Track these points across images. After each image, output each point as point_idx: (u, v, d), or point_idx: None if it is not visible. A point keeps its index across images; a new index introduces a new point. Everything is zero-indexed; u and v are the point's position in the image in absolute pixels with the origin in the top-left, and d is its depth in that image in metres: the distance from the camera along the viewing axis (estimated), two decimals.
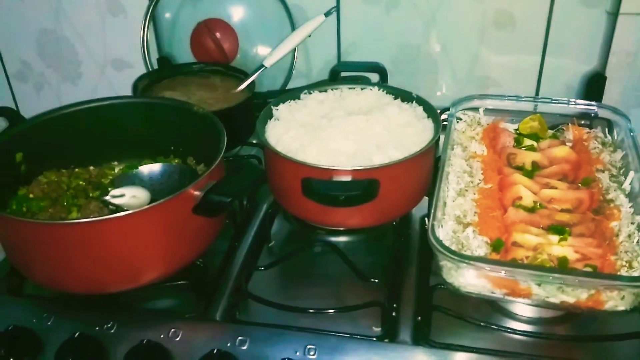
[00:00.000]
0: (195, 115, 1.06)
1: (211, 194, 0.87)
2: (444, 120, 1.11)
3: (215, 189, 0.88)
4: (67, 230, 0.84)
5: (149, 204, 0.87)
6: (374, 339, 0.88)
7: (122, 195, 0.81)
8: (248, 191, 1.12)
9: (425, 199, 1.09)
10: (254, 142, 1.29)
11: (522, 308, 0.91)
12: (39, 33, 1.57)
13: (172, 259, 0.92)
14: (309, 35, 1.28)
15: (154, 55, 1.48)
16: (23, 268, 0.94)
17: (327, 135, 1.03)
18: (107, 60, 1.58)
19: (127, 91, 1.29)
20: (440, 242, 0.84)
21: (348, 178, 0.93)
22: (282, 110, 1.13)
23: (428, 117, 1.10)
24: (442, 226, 0.91)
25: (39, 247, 0.87)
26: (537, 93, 1.41)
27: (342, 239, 1.09)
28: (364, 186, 0.93)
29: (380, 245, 1.08)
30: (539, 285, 0.82)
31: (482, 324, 0.88)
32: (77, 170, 1.10)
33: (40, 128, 1.06)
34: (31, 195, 1.03)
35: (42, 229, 0.86)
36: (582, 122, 1.16)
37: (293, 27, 1.40)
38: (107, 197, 0.81)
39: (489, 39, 1.37)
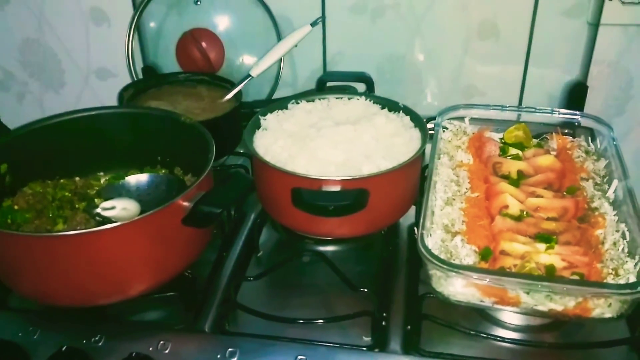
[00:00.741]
0: (183, 125, 1.06)
1: (201, 205, 0.87)
2: (430, 129, 1.12)
3: (205, 199, 0.88)
4: (54, 243, 0.83)
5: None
6: (364, 348, 0.88)
7: (112, 208, 0.81)
8: (238, 201, 1.12)
9: (413, 208, 1.10)
10: (241, 151, 1.29)
11: (511, 316, 0.92)
12: (21, 42, 1.56)
13: (161, 271, 0.91)
14: (296, 45, 1.28)
15: (139, 65, 1.48)
16: (8, 280, 0.92)
17: (316, 145, 1.04)
18: (90, 70, 1.57)
19: (112, 101, 1.28)
20: (429, 251, 0.85)
21: (337, 188, 0.94)
22: (270, 120, 1.13)
23: (415, 126, 1.11)
24: (430, 235, 0.92)
25: (25, 260, 0.85)
26: (520, 102, 1.43)
27: (331, 248, 1.09)
28: (354, 196, 0.93)
29: (368, 255, 1.08)
30: (528, 293, 0.83)
31: (471, 332, 0.89)
32: (62, 181, 1.09)
33: (25, 139, 1.04)
34: (16, 207, 1.01)
35: (29, 241, 0.84)
36: (565, 131, 1.17)
37: (279, 37, 1.40)
38: (98, 210, 0.80)
39: (474, 49, 1.39)
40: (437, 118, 1.17)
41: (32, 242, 0.84)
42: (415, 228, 0.92)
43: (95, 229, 0.83)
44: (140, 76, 1.46)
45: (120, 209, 0.80)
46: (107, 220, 0.84)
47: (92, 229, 0.84)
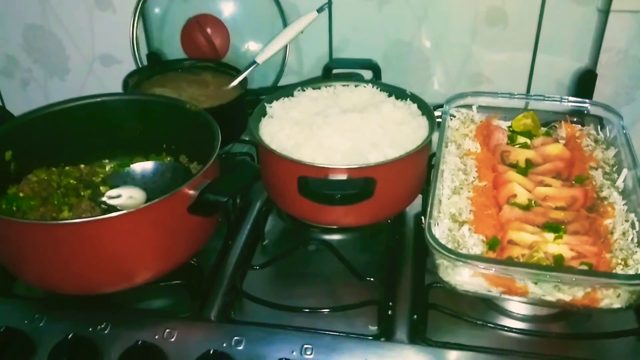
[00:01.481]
0: (188, 113, 1.05)
1: (207, 194, 0.87)
2: (438, 117, 1.11)
3: (211, 188, 0.87)
4: (60, 231, 0.83)
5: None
6: (370, 337, 0.88)
7: (119, 196, 0.80)
8: (244, 190, 1.11)
9: (419, 196, 1.09)
10: (247, 139, 1.28)
11: (518, 306, 0.92)
12: (25, 28, 1.55)
13: (167, 259, 0.91)
14: (302, 32, 1.27)
15: (144, 51, 1.47)
16: (14, 268, 0.92)
17: (322, 133, 1.03)
18: (95, 56, 1.56)
19: (116, 87, 1.27)
20: (437, 240, 0.84)
21: (344, 177, 0.93)
22: (275, 108, 1.12)
23: (422, 114, 1.10)
24: (437, 224, 0.91)
25: (30, 248, 0.85)
26: (528, 90, 1.41)
27: (337, 237, 1.08)
28: (360, 185, 0.92)
29: (375, 243, 1.08)
30: (536, 283, 0.82)
31: (478, 322, 0.89)
32: (67, 168, 1.09)
33: (30, 126, 1.04)
34: (21, 194, 1.01)
35: (35, 229, 0.84)
36: (574, 119, 1.16)
37: (285, 23, 1.39)
38: (104, 198, 0.80)
39: (481, 36, 1.37)
40: (444, 106, 1.16)
41: (38, 230, 0.84)
42: (423, 217, 0.91)
43: (101, 217, 0.83)
44: (145, 63, 1.45)
45: (126, 197, 0.80)
46: (113, 208, 0.84)
47: (98, 217, 0.84)
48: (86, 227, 0.83)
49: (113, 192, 0.81)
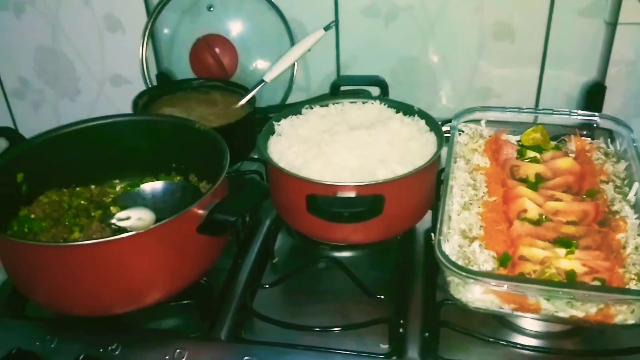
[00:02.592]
0: (197, 132, 1.06)
1: (216, 213, 0.87)
2: (446, 132, 1.11)
3: (220, 207, 0.88)
4: (70, 252, 0.84)
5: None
6: (382, 356, 0.88)
7: (128, 218, 0.80)
8: (252, 209, 1.11)
9: (429, 212, 1.09)
10: (256, 157, 1.29)
11: (530, 322, 0.90)
12: (36, 50, 1.57)
13: (177, 279, 0.91)
14: (309, 50, 1.27)
15: (153, 71, 1.48)
16: (26, 290, 0.93)
17: (331, 150, 1.03)
18: (105, 77, 1.58)
19: (126, 107, 1.28)
20: (447, 257, 0.84)
21: (353, 194, 0.93)
22: (284, 126, 1.12)
23: (430, 130, 1.10)
24: (448, 241, 0.91)
25: (42, 269, 0.86)
26: (537, 104, 1.41)
27: (346, 254, 1.08)
28: (369, 202, 0.92)
29: (384, 260, 1.07)
30: (548, 300, 0.81)
31: (490, 339, 0.88)
32: (78, 189, 1.09)
33: (41, 148, 1.05)
34: (32, 216, 1.02)
35: (45, 251, 0.85)
36: (584, 132, 1.15)
37: (292, 42, 1.40)
38: (114, 220, 0.80)
39: (488, 51, 1.37)
40: (452, 121, 1.15)
41: (48, 251, 0.85)
42: (432, 233, 0.90)
43: (111, 238, 0.83)
44: (155, 82, 1.47)
45: (136, 219, 0.80)
46: (123, 229, 0.84)
47: (108, 238, 0.84)
48: (97, 248, 0.83)
49: (122, 214, 0.81)
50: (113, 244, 0.83)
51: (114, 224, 0.82)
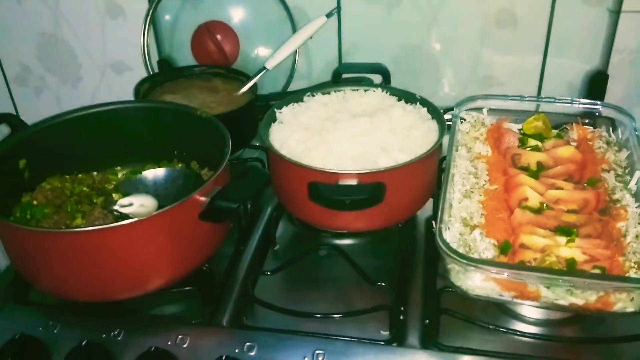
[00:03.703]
0: (199, 120, 1.06)
1: (218, 200, 0.87)
2: (448, 120, 1.11)
3: (222, 194, 0.88)
4: (73, 239, 0.84)
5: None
6: (382, 343, 0.88)
7: (130, 205, 0.81)
8: (254, 196, 1.11)
9: (430, 200, 1.09)
10: (257, 144, 1.29)
11: (530, 310, 0.91)
12: (38, 36, 1.57)
13: (179, 265, 0.91)
14: (311, 37, 1.27)
15: (154, 58, 1.48)
16: (28, 276, 0.93)
17: (332, 138, 1.03)
18: (107, 63, 1.58)
19: (128, 94, 1.28)
20: (448, 245, 0.84)
21: (354, 182, 0.93)
22: (285, 113, 1.12)
23: (432, 118, 1.10)
24: (449, 229, 0.91)
25: (44, 256, 0.86)
26: (539, 92, 1.41)
27: (347, 241, 1.08)
28: (371, 190, 0.92)
29: (385, 248, 1.08)
30: (548, 287, 0.82)
31: (490, 326, 0.88)
32: (80, 176, 1.10)
33: (43, 134, 1.05)
34: (35, 202, 1.02)
35: (48, 237, 0.85)
36: (586, 121, 1.15)
37: (294, 29, 1.39)
38: (116, 207, 0.81)
39: (491, 39, 1.37)
40: (454, 109, 1.15)
41: (51, 238, 0.85)
42: (433, 221, 0.91)
43: (114, 225, 0.84)
44: (156, 69, 1.46)
45: (138, 205, 0.81)
46: (125, 216, 0.84)
47: (110, 225, 0.85)
48: (99, 235, 0.83)
49: (125, 200, 0.81)
50: (115, 231, 0.83)
51: (117, 211, 0.82)
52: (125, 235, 0.84)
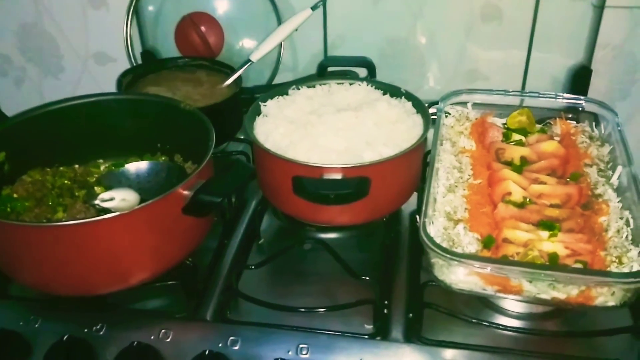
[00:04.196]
0: (183, 112, 1.05)
1: (201, 194, 0.86)
2: (433, 114, 1.11)
3: (205, 188, 0.87)
4: (54, 232, 0.83)
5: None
6: (366, 336, 0.88)
7: (111, 199, 0.80)
8: (238, 190, 1.11)
9: (415, 195, 1.09)
10: (242, 137, 1.28)
11: (513, 304, 0.92)
12: (19, 27, 1.54)
13: (162, 259, 0.91)
14: (296, 29, 1.26)
15: (138, 49, 1.46)
16: (9, 269, 0.92)
17: (317, 131, 1.03)
18: (89, 54, 1.56)
19: (111, 85, 1.26)
20: (432, 240, 0.84)
21: (339, 176, 0.93)
22: (270, 107, 1.11)
23: (417, 112, 1.10)
24: (432, 223, 0.91)
25: (25, 249, 0.85)
26: (523, 86, 1.41)
27: (332, 235, 1.08)
28: (355, 184, 0.92)
29: (370, 242, 1.08)
30: (531, 282, 0.82)
31: (473, 320, 0.89)
32: (61, 168, 1.08)
33: (24, 126, 1.03)
34: (15, 195, 1.01)
35: (28, 231, 0.84)
36: (569, 116, 1.16)
37: (279, 21, 1.38)
38: (97, 201, 0.79)
39: (476, 33, 1.37)
40: (439, 103, 1.15)
41: (32, 231, 0.84)
42: (417, 216, 0.91)
43: (96, 219, 0.83)
44: (139, 61, 1.45)
45: (119, 199, 0.80)
46: (107, 210, 0.83)
47: (93, 219, 0.84)
48: (81, 229, 0.82)
49: (106, 195, 0.80)
50: (97, 225, 0.82)
51: (98, 205, 0.81)
52: (107, 229, 0.83)
